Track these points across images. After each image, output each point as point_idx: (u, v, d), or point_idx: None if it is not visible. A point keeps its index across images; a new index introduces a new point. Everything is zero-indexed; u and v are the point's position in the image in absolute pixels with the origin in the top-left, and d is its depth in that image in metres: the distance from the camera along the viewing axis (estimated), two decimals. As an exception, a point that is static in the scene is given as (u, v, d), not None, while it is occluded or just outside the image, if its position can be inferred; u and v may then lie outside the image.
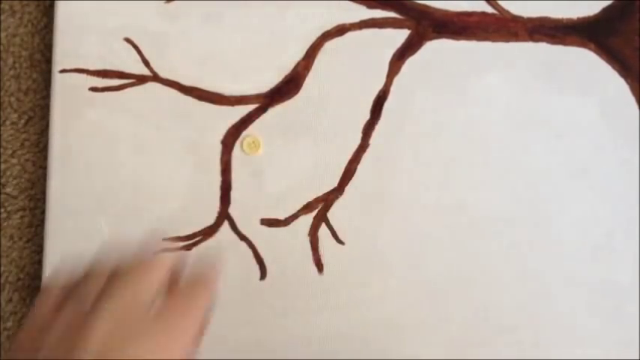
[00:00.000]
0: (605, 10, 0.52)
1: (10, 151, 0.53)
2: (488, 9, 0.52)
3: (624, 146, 0.52)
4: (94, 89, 0.51)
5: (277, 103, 0.52)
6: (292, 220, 0.51)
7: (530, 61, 0.52)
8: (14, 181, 0.53)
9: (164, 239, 0.52)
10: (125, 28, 0.51)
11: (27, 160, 0.53)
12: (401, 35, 0.52)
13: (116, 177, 0.51)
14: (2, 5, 0.52)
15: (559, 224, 0.52)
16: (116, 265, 0.33)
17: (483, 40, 0.52)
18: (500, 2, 0.52)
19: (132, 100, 0.51)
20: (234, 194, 0.51)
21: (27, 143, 0.53)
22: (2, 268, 0.53)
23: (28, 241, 0.53)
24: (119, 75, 0.51)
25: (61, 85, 0.51)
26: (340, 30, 0.52)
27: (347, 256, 0.51)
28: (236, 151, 0.52)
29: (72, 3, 0.51)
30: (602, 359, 0.52)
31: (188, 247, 0.52)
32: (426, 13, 0.52)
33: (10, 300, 0.53)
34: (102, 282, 0.32)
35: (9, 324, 0.53)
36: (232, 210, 0.51)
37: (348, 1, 0.52)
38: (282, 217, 0.51)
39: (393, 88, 0.52)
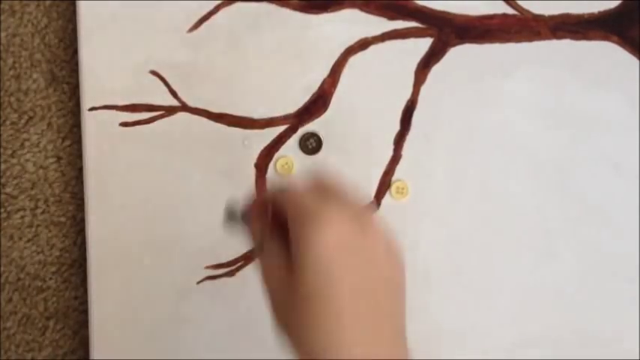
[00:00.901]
0: (626, 2, 0.52)
1: (10, 151, 0.53)
2: (509, 10, 0.52)
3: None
4: (124, 124, 0.51)
5: (306, 123, 0.52)
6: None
7: (555, 58, 0.52)
8: (14, 181, 0.53)
9: (206, 267, 0.52)
10: (150, 60, 0.51)
11: (27, 160, 0.53)
12: (424, 44, 0.52)
13: (154, 210, 0.52)
14: (2, 5, 0.52)
15: (596, 220, 0.53)
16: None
17: (506, 42, 0.52)
18: (520, 2, 0.52)
19: (163, 131, 0.51)
20: (272, 217, 0.52)
21: (27, 143, 0.53)
22: (2, 268, 0.53)
23: (28, 241, 0.53)
24: (148, 108, 0.51)
25: (92, 123, 0.51)
26: (363, 44, 0.52)
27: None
28: (270, 173, 0.52)
29: (95, 40, 0.51)
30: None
31: (231, 273, 0.52)
32: (447, 19, 0.52)
33: (10, 300, 0.53)
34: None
35: (9, 324, 0.53)
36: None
37: (369, 15, 0.52)
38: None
39: (420, 97, 0.52)
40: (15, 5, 0.53)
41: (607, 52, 0.52)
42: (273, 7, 0.51)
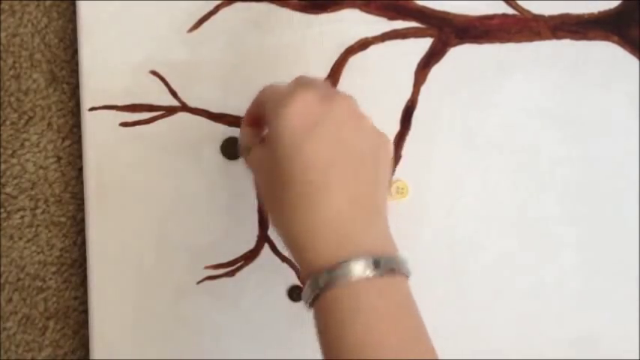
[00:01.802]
0: (626, 2, 0.52)
1: (10, 151, 0.53)
2: (509, 10, 0.52)
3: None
4: (124, 124, 0.51)
5: (307, 122, 0.52)
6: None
7: (555, 58, 0.52)
8: (14, 181, 0.53)
9: (206, 267, 0.52)
10: (149, 60, 0.51)
11: (27, 160, 0.53)
12: (424, 44, 0.52)
13: (154, 210, 0.52)
14: (2, 5, 0.52)
15: (596, 220, 0.53)
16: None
17: (506, 42, 0.52)
18: (520, 2, 0.52)
19: (163, 131, 0.51)
20: (272, 217, 0.52)
21: (27, 143, 0.53)
22: (2, 268, 0.53)
23: (28, 241, 0.53)
24: (148, 108, 0.51)
25: (92, 123, 0.51)
26: (363, 44, 0.52)
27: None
28: (270, 174, 0.52)
29: (95, 40, 0.51)
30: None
31: (231, 273, 0.52)
32: (447, 19, 0.52)
33: (10, 300, 0.53)
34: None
35: (9, 324, 0.53)
36: (272, 232, 0.52)
37: (369, 15, 0.52)
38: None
39: (420, 98, 0.52)
40: (15, 5, 0.53)
41: (607, 52, 0.52)
42: (273, 7, 0.51)
